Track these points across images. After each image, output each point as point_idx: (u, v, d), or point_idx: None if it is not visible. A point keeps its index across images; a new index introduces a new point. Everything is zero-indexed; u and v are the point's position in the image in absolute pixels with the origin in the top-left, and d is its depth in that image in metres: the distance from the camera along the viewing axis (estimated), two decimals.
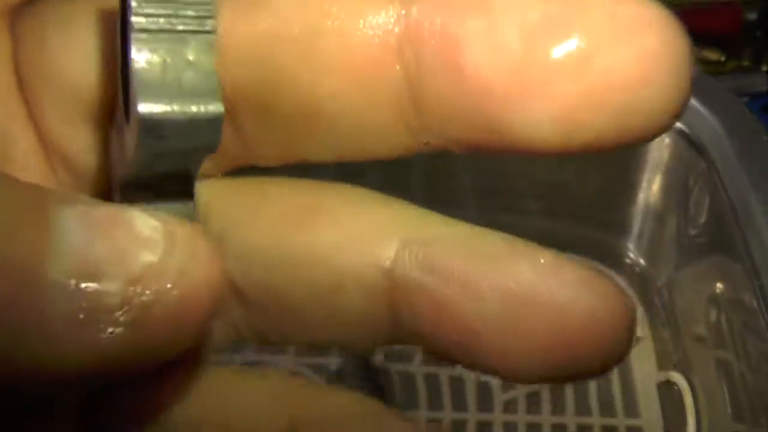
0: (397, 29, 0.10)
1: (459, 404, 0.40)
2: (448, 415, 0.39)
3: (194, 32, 0.10)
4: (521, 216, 0.45)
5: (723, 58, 0.65)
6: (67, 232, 0.09)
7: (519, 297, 0.10)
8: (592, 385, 0.40)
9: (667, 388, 0.39)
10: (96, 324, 0.08)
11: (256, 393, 0.13)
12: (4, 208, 0.09)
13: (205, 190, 0.11)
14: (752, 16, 0.67)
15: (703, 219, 0.37)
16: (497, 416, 0.39)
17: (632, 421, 0.38)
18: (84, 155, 0.11)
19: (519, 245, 0.11)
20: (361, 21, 0.10)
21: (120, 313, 0.08)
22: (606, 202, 0.43)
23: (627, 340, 0.10)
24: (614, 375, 0.40)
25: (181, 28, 0.10)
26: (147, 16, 0.10)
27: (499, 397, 0.40)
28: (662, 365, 0.41)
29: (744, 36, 0.66)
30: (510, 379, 0.11)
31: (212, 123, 0.10)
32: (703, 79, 0.38)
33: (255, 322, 0.12)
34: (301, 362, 0.42)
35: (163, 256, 0.09)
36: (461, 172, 0.45)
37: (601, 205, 0.44)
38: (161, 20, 0.10)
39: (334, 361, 0.41)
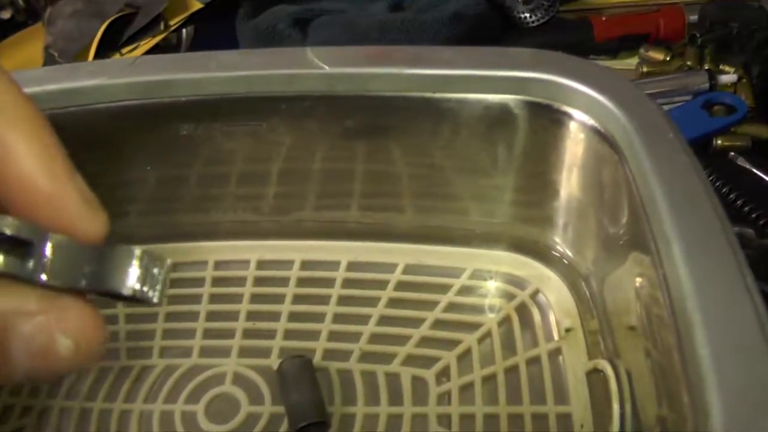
0: None
1: (395, 398, 0.41)
2: (384, 409, 0.40)
3: None
4: (456, 216, 0.47)
5: (668, 58, 0.67)
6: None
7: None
8: (524, 375, 0.41)
9: (596, 376, 0.40)
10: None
11: None
12: None
13: None
14: (693, 17, 0.69)
15: (624, 217, 0.38)
16: (431, 408, 0.40)
17: (562, 408, 0.39)
18: None
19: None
20: None
21: None
22: (532, 199, 0.45)
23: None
24: (545, 365, 0.41)
25: None
26: None
27: (434, 390, 0.41)
28: (593, 354, 0.41)
29: (687, 37, 0.68)
30: None
31: None
32: (613, 77, 0.39)
33: None
34: (243, 364, 0.43)
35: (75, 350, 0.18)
36: (399, 178, 0.46)
37: (527, 202, 0.45)
38: None
39: (275, 362, 0.43)
